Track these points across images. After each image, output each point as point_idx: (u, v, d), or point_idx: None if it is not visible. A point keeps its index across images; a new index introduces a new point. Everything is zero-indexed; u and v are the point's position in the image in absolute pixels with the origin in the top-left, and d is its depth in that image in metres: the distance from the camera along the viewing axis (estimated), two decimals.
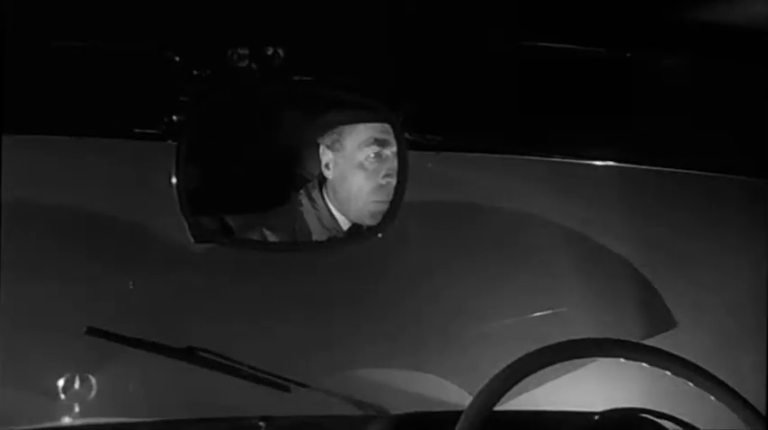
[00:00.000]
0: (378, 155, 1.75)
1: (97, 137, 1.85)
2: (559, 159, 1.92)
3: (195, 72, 1.84)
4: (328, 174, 1.79)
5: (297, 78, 1.86)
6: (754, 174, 1.92)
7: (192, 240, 1.67)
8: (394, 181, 1.72)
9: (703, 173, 1.91)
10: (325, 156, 1.79)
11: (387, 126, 1.74)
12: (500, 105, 1.91)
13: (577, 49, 1.89)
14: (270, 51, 1.85)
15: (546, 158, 1.92)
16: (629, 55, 1.90)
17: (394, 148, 1.74)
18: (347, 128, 1.77)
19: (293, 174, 1.88)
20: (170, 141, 1.75)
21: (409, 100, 1.84)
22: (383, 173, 1.75)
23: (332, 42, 1.89)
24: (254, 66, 1.84)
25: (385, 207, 1.73)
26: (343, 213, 1.80)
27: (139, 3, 1.82)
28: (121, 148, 1.86)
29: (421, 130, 1.85)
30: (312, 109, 1.83)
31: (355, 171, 1.77)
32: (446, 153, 1.89)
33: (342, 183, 1.78)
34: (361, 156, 1.76)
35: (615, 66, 1.91)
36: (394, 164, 1.73)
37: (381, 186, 1.75)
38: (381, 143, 1.75)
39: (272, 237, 1.78)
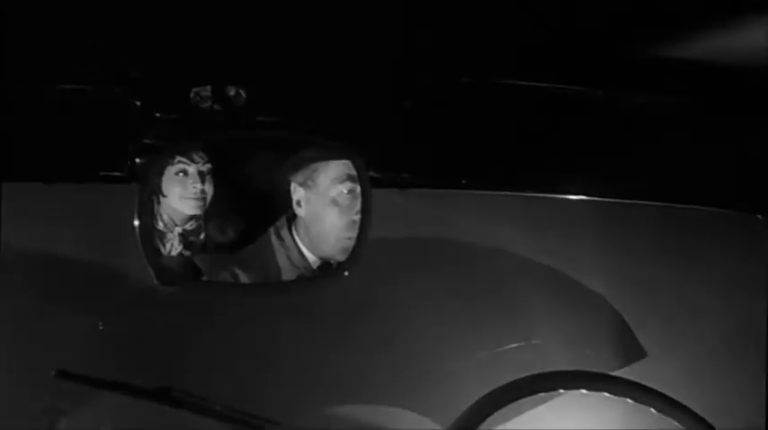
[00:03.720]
0: (351, 191, 1.75)
1: (62, 181, 1.85)
2: (531, 194, 1.92)
3: (158, 114, 1.85)
4: (300, 211, 1.79)
5: (260, 119, 1.87)
6: (725, 207, 1.93)
7: (157, 284, 1.69)
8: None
9: (675, 205, 1.92)
10: (297, 193, 1.78)
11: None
12: (471, 141, 1.92)
13: (548, 86, 1.91)
14: (232, 92, 1.86)
15: (518, 193, 1.92)
16: (600, 92, 1.92)
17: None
18: (320, 165, 1.76)
19: (261, 214, 1.89)
20: (134, 183, 1.76)
21: (374, 137, 1.84)
22: (356, 209, 1.75)
23: (294, 82, 1.90)
24: (216, 107, 1.85)
25: None
26: (312, 251, 1.80)
27: (100, 47, 1.83)
28: (87, 191, 1.86)
29: (387, 168, 1.85)
30: (281, 148, 1.83)
31: (328, 207, 1.76)
32: (416, 189, 1.89)
33: (314, 220, 1.78)
34: (334, 193, 1.76)
35: (586, 102, 1.93)
36: None
37: (354, 222, 1.74)
38: (354, 179, 1.75)
39: (240, 278, 1.78)
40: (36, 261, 1.81)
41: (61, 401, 1.79)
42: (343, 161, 1.75)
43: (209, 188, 1.85)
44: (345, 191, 1.75)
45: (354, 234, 1.72)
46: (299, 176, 1.77)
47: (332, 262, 1.78)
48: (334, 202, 1.76)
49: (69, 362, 1.75)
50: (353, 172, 1.74)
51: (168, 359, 1.82)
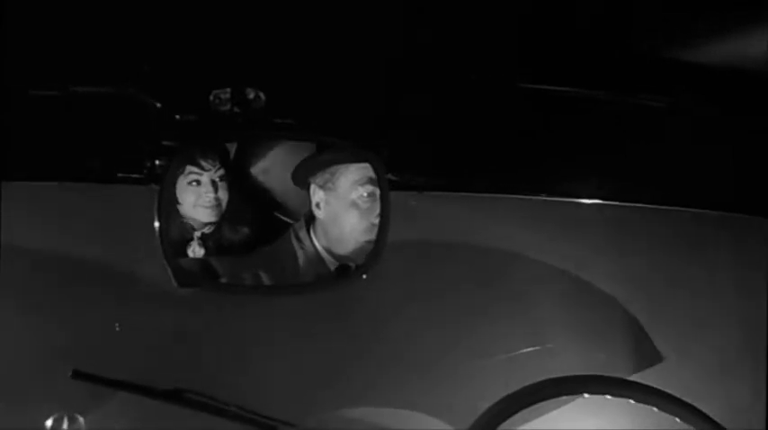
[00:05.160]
0: (371, 194, 1.76)
1: (81, 182, 1.86)
2: (545, 198, 1.93)
3: (177, 117, 1.86)
4: (319, 213, 1.79)
5: (278, 121, 1.88)
6: (738, 210, 1.94)
7: (175, 285, 1.69)
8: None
9: (687, 209, 1.93)
10: (317, 195, 1.79)
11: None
12: (485, 145, 1.93)
13: (562, 90, 1.92)
14: (251, 95, 1.86)
15: (532, 197, 1.93)
16: (614, 95, 1.93)
17: None
18: (340, 167, 1.77)
19: (280, 215, 1.89)
20: (153, 185, 1.77)
21: (391, 140, 1.85)
22: (376, 212, 1.75)
23: (313, 85, 1.91)
24: (236, 109, 1.86)
25: None
26: (330, 253, 1.80)
27: (120, 50, 1.84)
28: (105, 193, 1.87)
29: (404, 171, 1.86)
30: (300, 149, 1.83)
31: (348, 210, 1.77)
32: (432, 193, 1.89)
33: (333, 222, 1.78)
34: (354, 196, 1.76)
35: (601, 105, 1.94)
36: None
37: (374, 225, 1.75)
38: (374, 182, 1.75)
39: (258, 280, 1.79)
40: (53, 262, 1.82)
41: (75, 402, 1.78)
42: (363, 164, 1.76)
43: (223, 194, 1.86)
44: (366, 194, 1.76)
45: (373, 237, 1.73)
46: (319, 178, 1.78)
47: (350, 264, 1.79)
48: (355, 205, 1.76)
49: (85, 362, 1.75)
50: (373, 175, 1.75)
51: (183, 360, 1.82)
